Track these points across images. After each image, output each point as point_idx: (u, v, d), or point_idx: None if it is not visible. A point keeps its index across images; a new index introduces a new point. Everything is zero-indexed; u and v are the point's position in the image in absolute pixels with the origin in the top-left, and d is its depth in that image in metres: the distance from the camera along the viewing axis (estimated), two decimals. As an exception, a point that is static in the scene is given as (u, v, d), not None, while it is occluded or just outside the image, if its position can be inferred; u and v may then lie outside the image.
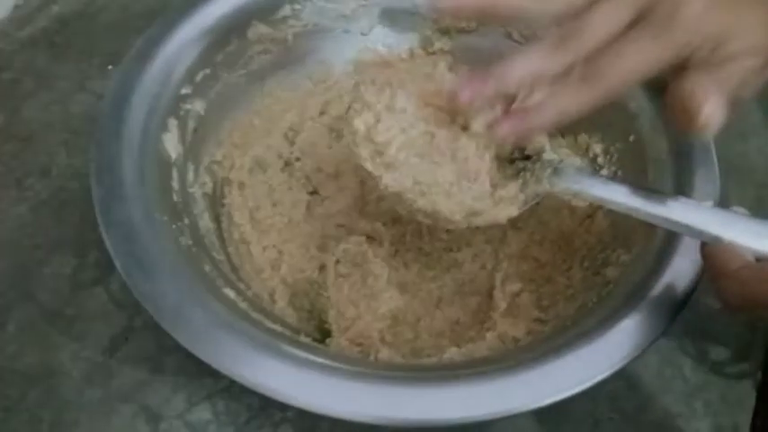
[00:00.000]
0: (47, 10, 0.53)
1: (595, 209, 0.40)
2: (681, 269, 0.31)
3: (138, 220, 0.33)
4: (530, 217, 0.41)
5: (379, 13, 0.46)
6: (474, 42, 0.45)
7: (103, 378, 0.37)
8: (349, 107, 0.33)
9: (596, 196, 0.32)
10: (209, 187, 0.41)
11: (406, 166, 0.32)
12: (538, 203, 0.39)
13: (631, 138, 0.39)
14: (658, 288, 0.31)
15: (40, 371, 0.37)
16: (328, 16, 0.45)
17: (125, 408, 0.36)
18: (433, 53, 0.46)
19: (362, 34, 0.46)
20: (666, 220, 0.30)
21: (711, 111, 0.29)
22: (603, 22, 0.30)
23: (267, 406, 0.37)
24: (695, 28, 0.30)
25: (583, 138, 0.42)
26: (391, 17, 0.46)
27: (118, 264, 0.31)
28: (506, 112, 0.32)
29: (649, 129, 0.38)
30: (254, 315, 0.33)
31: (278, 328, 0.33)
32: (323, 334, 0.37)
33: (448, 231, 0.41)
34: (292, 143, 0.45)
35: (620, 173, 0.39)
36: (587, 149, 0.41)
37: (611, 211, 0.38)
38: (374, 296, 0.37)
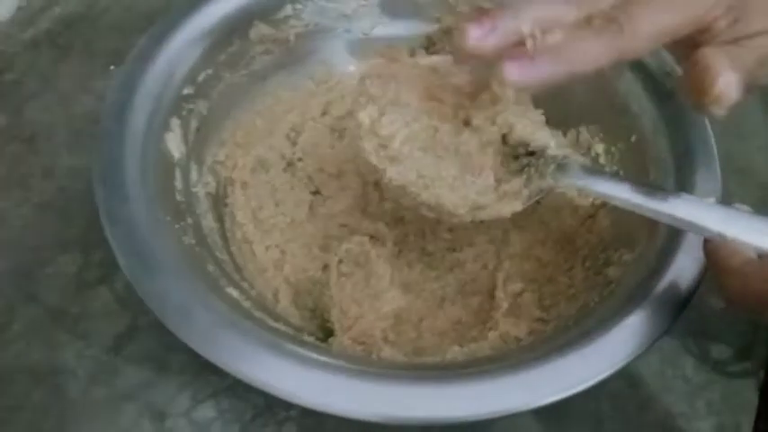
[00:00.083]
0: (49, 11, 0.53)
1: (597, 208, 0.40)
2: (683, 268, 0.31)
3: (142, 219, 0.33)
4: (531, 217, 0.41)
5: (381, 7, 0.46)
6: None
7: (108, 377, 0.37)
8: (354, 101, 0.33)
9: (600, 192, 0.32)
10: (212, 187, 0.41)
11: (410, 159, 0.32)
12: (539, 203, 0.39)
13: (633, 138, 0.39)
14: (661, 287, 0.31)
15: (44, 370, 0.38)
16: (330, 16, 0.45)
17: (130, 406, 0.37)
18: (435, 53, 0.46)
19: (364, 34, 0.46)
20: (669, 216, 0.30)
21: (726, 83, 0.28)
22: None
23: (271, 404, 0.37)
24: None
25: (585, 137, 0.42)
26: (392, 7, 0.46)
27: (122, 263, 0.31)
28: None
29: (651, 129, 0.38)
30: (258, 314, 0.33)
31: (281, 326, 0.34)
32: (326, 333, 0.37)
33: (450, 231, 0.41)
34: (294, 143, 0.45)
35: (621, 173, 0.39)
36: (589, 149, 0.42)
37: (612, 211, 0.39)
38: (377, 296, 0.37)
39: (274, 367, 0.29)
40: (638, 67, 0.39)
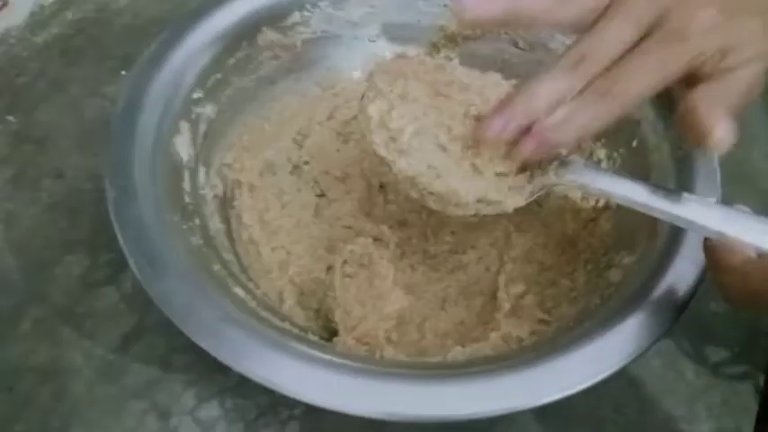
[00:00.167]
0: (61, 16, 0.54)
1: (599, 212, 0.40)
2: (683, 271, 0.32)
3: (151, 220, 0.33)
4: (533, 220, 0.41)
5: (382, 27, 0.47)
6: (479, 49, 0.46)
7: (115, 376, 0.38)
8: (363, 96, 0.33)
9: (601, 189, 0.32)
10: (219, 189, 0.42)
11: (420, 151, 0.32)
12: (541, 206, 0.40)
13: (634, 143, 0.39)
14: (660, 289, 0.31)
15: (52, 368, 0.38)
16: (336, 23, 0.46)
17: (136, 404, 0.37)
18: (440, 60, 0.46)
19: (370, 41, 0.47)
20: (670, 214, 0.30)
21: (723, 133, 0.30)
22: (618, 37, 0.31)
23: (275, 404, 0.37)
24: (707, 39, 0.30)
25: (587, 143, 0.42)
26: (394, 31, 0.47)
27: (131, 263, 0.32)
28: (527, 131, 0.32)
29: (652, 134, 0.38)
30: (263, 313, 0.34)
31: (286, 326, 0.34)
32: (330, 333, 0.37)
33: (453, 234, 0.42)
34: (301, 147, 0.45)
35: (622, 174, 0.40)
36: (591, 154, 0.42)
37: (614, 215, 0.39)
38: (380, 296, 0.37)
39: (279, 365, 0.29)
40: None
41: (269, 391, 0.29)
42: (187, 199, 0.38)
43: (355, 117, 0.44)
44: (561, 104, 0.31)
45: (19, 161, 0.46)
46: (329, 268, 0.40)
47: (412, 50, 0.46)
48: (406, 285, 0.40)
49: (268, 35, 0.44)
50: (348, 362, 0.30)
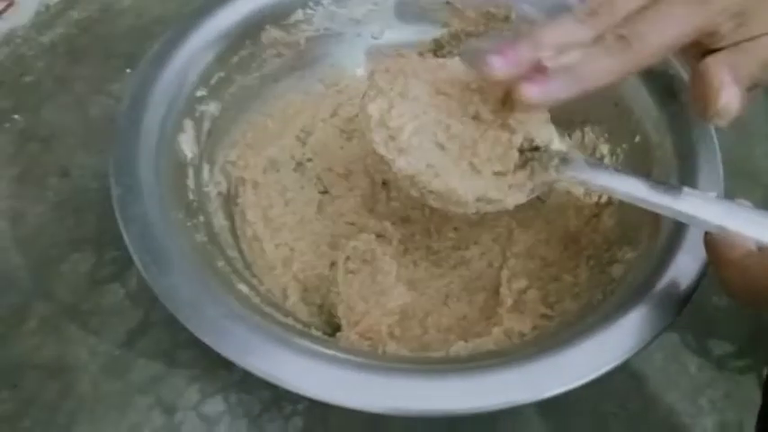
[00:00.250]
0: (66, 16, 0.54)
1: (602, 208, 0.40)
2: (685, 265, 0.32)
3: (155, 218, 0.34)
4: (536, 216, 0.42)
5: (390, 11, 0.47)
6: (482, 46, 0.46)
7: (120, 371, 0.38)
8: (363, 95, 0.33)
9: (602, 186, 0.32)
10: (223, 186, 0.42)
11: (419, 150, 0.32)
12: (543, 203, 0.40)
13: (637, 138, 0.39)
14: (662, 283, 0.31)
15: (58, 364, 0.38)
16: (339, 21, 0.46)
17: (141, 400, 0.37)
18: (443, 56, 0.46)
19: (373, 38, 0.47)
20: (671, 209, 0.30)
21: (728, 98, 0.30)
22: None
23: (279, 399, 0.37)
24: None
25: (590, 138, 0.42)
26: (402, 12, 0.47)
27: (136, 259, 0.32)
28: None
29: (654, 130, 0.38)
30: (267, 309, 0.34)
31: (290, 322, 0.34)
32: (333, 328, 0.38)
33: (455, 230, 0.42)
34: (304, 144, 0.46)
35: (624, 170, 0.40)
36: (594, 150, 0.42)
37: (617, 211, 0.39)
38: (383, 292, 0.37)
39: (283, 361, 0.29)
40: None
41: (273, 386, 0.29)
42: (191, 196, 0.38)
43: (358, 114, 0.45)
44: (568, 50, 0.29)
45: (25, 160, 0.47)
46: (332, 264, 0.40)
47: (418, 34, 0.47)
48: (408, 281, 0.40)
49: (271, 33, 0.44)
50: (351, 357, 0.30)
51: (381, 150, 0.33)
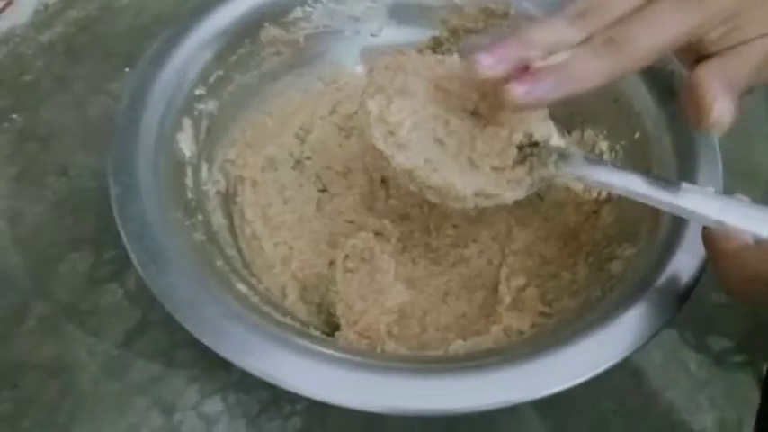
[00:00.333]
0: (65, 15, 0.54)
1: (601, 204, 0.40)
2: (684, 262, 0.32)
3: (154, 217, 0.34)
4: (535, 213, 0.41)
5: (389, 9, 0.47)
6: (482, 42, 0.46)
7: (119, 371, 0.38)
8: (363, 91, 0.34)
9: (600, 181, 0.32)
10: (222, 185, 0.42)
11: (418, 145, 0.32)
12: (542, 200, 0.40)
13: (636, 135, 0.39)
14: (661, 281, 0.31)
15: (57, 364, 0.39)
16: (338, 18, 0.46)
17: (140, 400, 0.37)
18: (442, 53, 0.46)
19: (372, 35, 0.47)
20: (670, 204, 0.30)
21: (721, 111, 0.29)
22: None
23: (278, 399, 0.37)
24: (722, 1, 0.29)
25: (589, 135, 0.42)
26: (400, 13, 0.47)
27: (134, 258, 0.32)
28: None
29: (654, 127, 0.38)
30: (266, 309, 0.34)
31: (288, 321, 0.34)
32: (332, 327, 0.38)
33: (455, 227, 0.42)
34: (303, 142, 0.46)
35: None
36: (593, 147, 0.42)
37: (616, 206, 0.39)
38: (382, 291, 0.37)
39: (281, 361, 0.29)
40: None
41: (271, 386, 0.29)
42: (190, 195, 0.38)
43: (357, 112, 0.44)
44: (558, 50, 0.29)
45: (24, 159, 0.46)
46: (331, 263, 0.40)
47: (417, 32, 0.47)
48: (407, 279, 0.40)
49: (270, 31, 0.44)
50: (349, 356, 0.30)
51: (380, 146, 0.33)
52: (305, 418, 0.37)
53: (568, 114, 0.42)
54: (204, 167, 0.41)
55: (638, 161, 0.38)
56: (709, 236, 0.29)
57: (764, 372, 0.37)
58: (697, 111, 0.30)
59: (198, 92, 0.40)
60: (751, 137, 0.49)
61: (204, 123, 0.41)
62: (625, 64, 0.29)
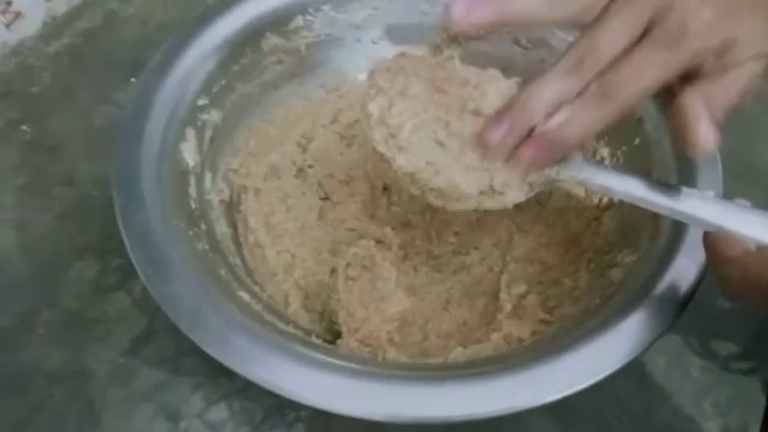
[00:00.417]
0: (73, 25, 0.55)
1: (602, 210, 0.40)
2: (685, 268, 0.32)
3: (157, 226, 0.34)
4: (536, 220, 0.42)
5: (386, 29, 0.47)
6: (482, 48, 0.46)
7: (125, 378, 0.39)
8: (364, 94, 0.34)
9: (601, 185, 0.32)
10: (225, 194, 0.42)
11: (419, 147, 0.32)
12: (543, 206, 0.40)
13: (637, 140, 0.39)
14: (661, 287, 0.31)
15: (64, 372, 0.39)
16: (339, 26, 0.46)
17: (146, 407, 0.38)
18: (443, 60, 0.46)
19: (373, 43, 0.47)
20: (670, 209, 0.30)
21: (706, 140, 0.29)
22: (615, 37, 0.30)
23: (282, 406, 0.38)
24: (707, 36, 0.30)
25: (589, 142, 0.42)
26: (398, 33, 0.47)
27: (138, 268, 0.32)
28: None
29: (654, 132, 0.38)
30: (268, 317, 0.34)
31: (291, 329, 0.34)
32: (333, 335, 0.38)
33: (456, 235, 0.42)
34: (305, 150, 0.46)
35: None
36: (594, 153, 0.42)
37: (618, 212, 0.39)
38: (383, 298, 0.37)
39: (284, 370, 0.30)
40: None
41: (275, 393, 0.29)
42: (193, 204, 0.38)
43: (359, 120, 0.45)
44: (561, 107, 0.30)
45: (31, 169, 0.47)
46: (333, 271, 0.40)
47: (415, 51, 0.47)
48: (408, 287, 0.40)
49: (272, 40, 0.44)
50: (351, 365, 0.30)
51: (381, 148, 0.33)
52: (308, 426, 0.37)
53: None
54: (208, 177, 0.41)
55: (638, 166, 0.38)
56: (711, 241, 0.29)
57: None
58: (683, 136, 0.30)
59: (201, 102, 0.41)
60: (751, 139, 0.49)
61: (207, 133, 0.41)
62: (621, 109, 0.30)
